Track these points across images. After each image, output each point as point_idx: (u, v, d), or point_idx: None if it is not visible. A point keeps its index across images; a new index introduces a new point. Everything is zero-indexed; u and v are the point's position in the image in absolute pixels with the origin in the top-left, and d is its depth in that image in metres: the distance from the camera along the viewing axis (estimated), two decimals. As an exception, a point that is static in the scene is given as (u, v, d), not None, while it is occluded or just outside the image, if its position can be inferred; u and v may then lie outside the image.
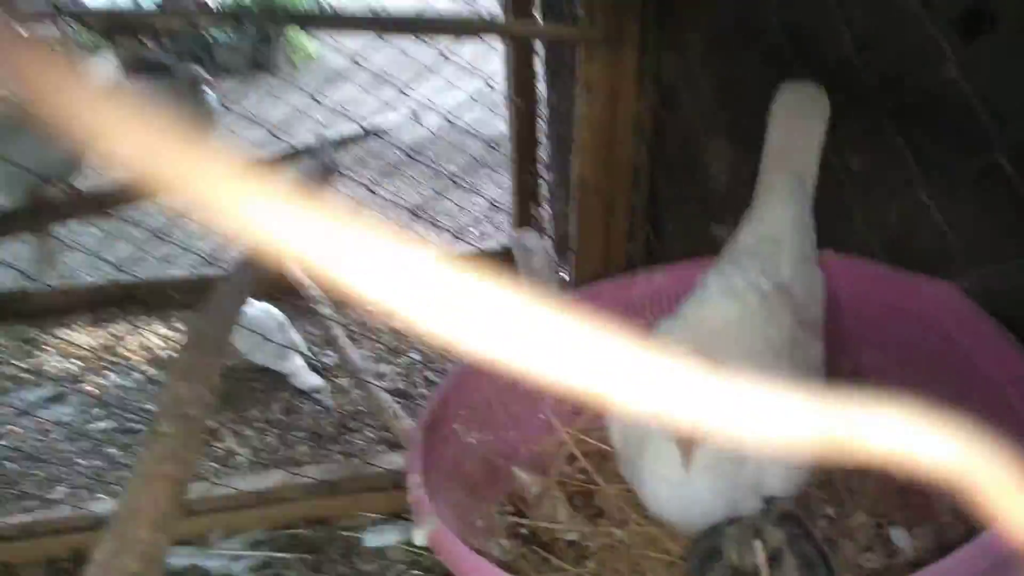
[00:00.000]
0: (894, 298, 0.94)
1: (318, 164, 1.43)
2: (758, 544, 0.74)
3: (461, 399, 0.96)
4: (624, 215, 1.72)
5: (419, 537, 0.70)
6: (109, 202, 1.74)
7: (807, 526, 0.83)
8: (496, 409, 1.01)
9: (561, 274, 2.21)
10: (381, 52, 2.00)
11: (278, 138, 1.62)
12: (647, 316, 1.12)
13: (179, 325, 2.54)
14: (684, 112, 1.53)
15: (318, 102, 1.47)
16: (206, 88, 1.91)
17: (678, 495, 0.81)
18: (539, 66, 2.61)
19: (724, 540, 0.80)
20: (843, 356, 1.00)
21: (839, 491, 0.95)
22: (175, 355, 2.37)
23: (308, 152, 1.66)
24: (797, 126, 1.02)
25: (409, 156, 1.60)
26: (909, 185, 0.92)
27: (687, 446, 0.77)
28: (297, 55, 7.00)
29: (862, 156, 1.04)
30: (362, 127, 1.77)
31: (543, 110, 2.58)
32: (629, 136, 1.63)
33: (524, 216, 2.78)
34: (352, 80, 2.33)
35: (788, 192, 1.00)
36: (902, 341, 0.93)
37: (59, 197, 1.70)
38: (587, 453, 1.05)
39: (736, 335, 0.90)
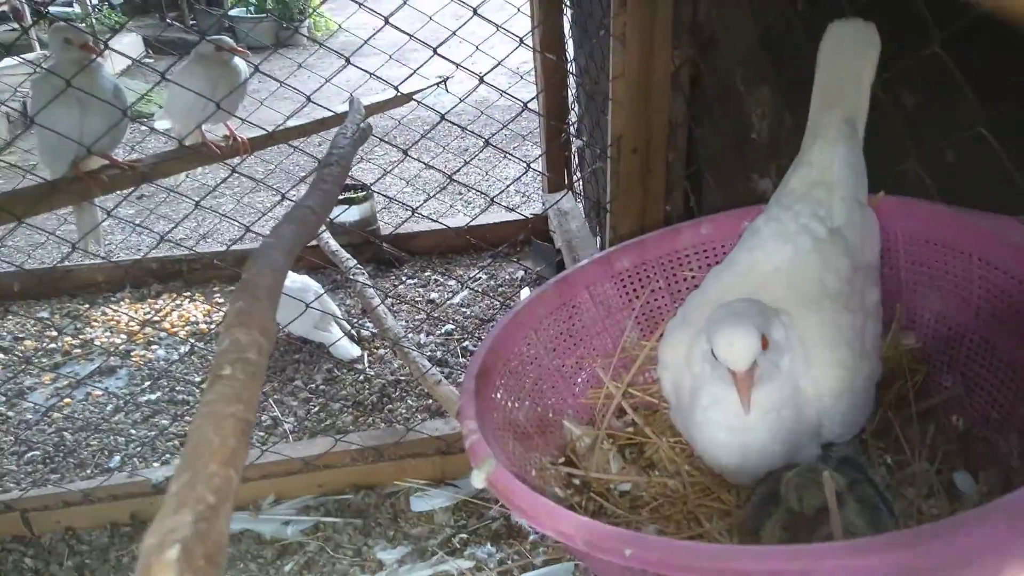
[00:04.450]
0: (953, 238, 0.91)
1: (354, 126, 1.42)
2: (827, 475, 0.73)
3: (510, 349, 0.96)
4: (661, 172, 1.69)
5: (478, 479, 0.71)
6: (150, 174, 1.76)
7: (867, 471, 0.81)
8: (544, 361, 1.01)
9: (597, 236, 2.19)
10: (403, 25, 1.97)
11: (317, 104, 1.61)
12: (694, 267, 1.11)
13: (219, 298, 2.58)
14: (722, 62, 1.50)
15: (352, 64, 1.46)
16: (235, 56, 1.91)
17: (736, 440, 0.80)
18: (567, 27, 2.57)
19: (783, 486, 0.79)
20: (899, 300, 0.98)
21: (898, 440, 0.93)
22: (218, 323, 2.42)
23: (344, 116, 1.66)
24: (846, 65, 0.98)
25: (445, 119, 1.57)
26: (967, 119, 0.89)
27: (745, 389, 0.76)
28: (320, 30, 6.99)
29: (915, 92, 1.01)
30: (395, 88, 1.75)
31: (573, 72, 2.54)
32: (666, 90, 1.59)
33: (557, 180, 2.76)
34: (375, 54, 2.31)
35: (838, 134, 0.97)
36: (963, 283, 0.90)
37: (101, 169, 1.72)
38: (636, 407, 1.05)
39: (789, 280, 0.89)
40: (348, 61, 1.47)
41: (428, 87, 2.57)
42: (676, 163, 1.68)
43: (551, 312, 1.04)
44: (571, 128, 2.60)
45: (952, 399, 0.92)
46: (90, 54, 1.67)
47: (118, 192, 1.93)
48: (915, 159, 1.00)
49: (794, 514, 0.79)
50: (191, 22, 6.98)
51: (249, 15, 6.82)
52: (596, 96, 2.21)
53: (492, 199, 1.63)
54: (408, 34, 1.65)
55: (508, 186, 2.50)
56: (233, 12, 6.85)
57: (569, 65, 2.55)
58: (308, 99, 1.56)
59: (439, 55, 1.58)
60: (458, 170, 1.94)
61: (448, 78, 2.75)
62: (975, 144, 0.88)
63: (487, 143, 1.61)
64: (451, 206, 3.43)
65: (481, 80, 1.56)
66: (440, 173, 3.10)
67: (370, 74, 1.72)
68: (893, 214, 0.96)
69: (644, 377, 1.07)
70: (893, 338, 0.98)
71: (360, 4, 1.67)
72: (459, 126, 1.78)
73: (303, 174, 3.41)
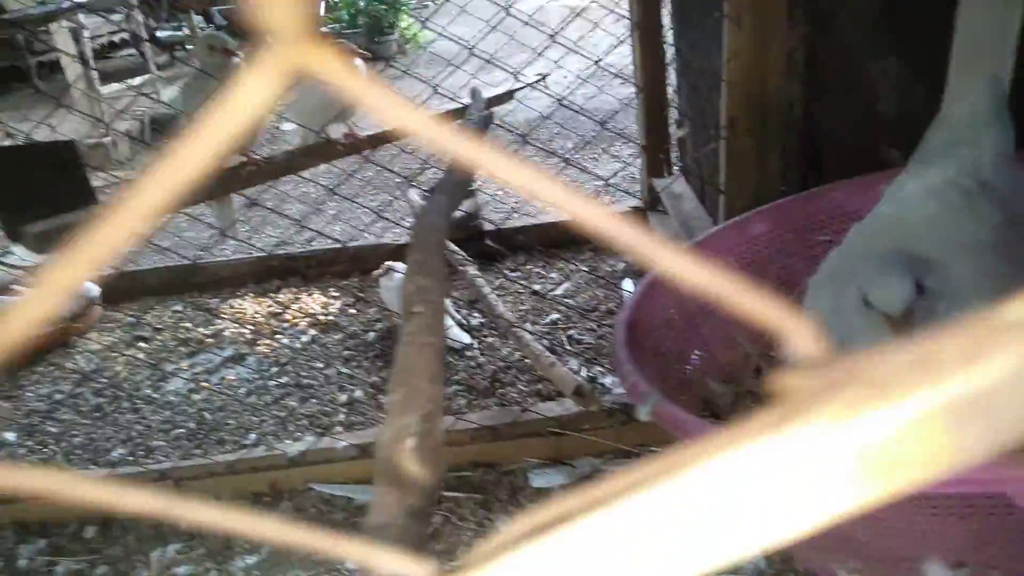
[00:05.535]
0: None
1: (478, 115, 1.50)
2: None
3: (652, 309, 1.00)
4: (777, 151, 1.69)
5: (643, 413, 0.75)
6: (283, 169, 1.90)
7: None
8: (683, 321, 1.04)
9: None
10: (490, 38, 2.05)
11: (442, 94, 1.71)
12: (828, 232, 1.12)
13: (335, 292, 2.72)
14: (842, 37, 1.49)
15: (474, 56, 1.53)
16: (355, 59, 2.03)
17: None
18: (665, 18, 2.60)
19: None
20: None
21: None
22: (335, 314, 2.56)
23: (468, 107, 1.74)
24: (989, 21, 0.98)
25: (561, 104, 1.63)
26: None
27: (903, 334, 0.77)
28: (409, 43, 7.23)
29: (1066, 46, 0.99)
30: (517, 77, 1.83)
31: (673, 62, 2.56)
32: (781, 69, 1.60)
33: (658, 168, 2.77)
34: (464, 62, 2.40)
35: (982, 90, 0.97)
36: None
37: (239, 165, 1.86)
38: (773, 366, 1.07)
39: (938, 232, 0.89)
40: (470, 51, 1.55)
41: (528, 84, 2.64)
42: (792, 142, 1.68)
43: (688, 275, 1.07)
44: (673, 118, 2.62)
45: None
46: (230, 58, 1.82)
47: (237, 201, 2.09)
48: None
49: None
50: (288, 41, 7.34)
51: (343, 31, 7.12)
52: (700, 85, 2.23)
53: (607, 181, 1.67)
54: (521, 21, 1.72)
55: (617, 173, 2.54)
56: (326, 29, 7.17)
57: (669, 56, 2.57)
58: (435, 89, 1.65)
59: (561, 43, 1.64)
60: (568, 159, 1.99)
61: (547, 75, 2.82)
62: None
63: (602, 125, 1.66)
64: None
65: (597, 63, 1.61)
66: (539, 168, 3.15)
67: (494, 62, 1.80)
68: (1045, 168, 0.95)
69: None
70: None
71: (462, 10, 1.75)
72: (574, 109, 1.83)
73: (390, 182, 3.55)
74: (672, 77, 2.64)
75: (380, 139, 2.15)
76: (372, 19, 7.19)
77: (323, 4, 7.59)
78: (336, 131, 2.13)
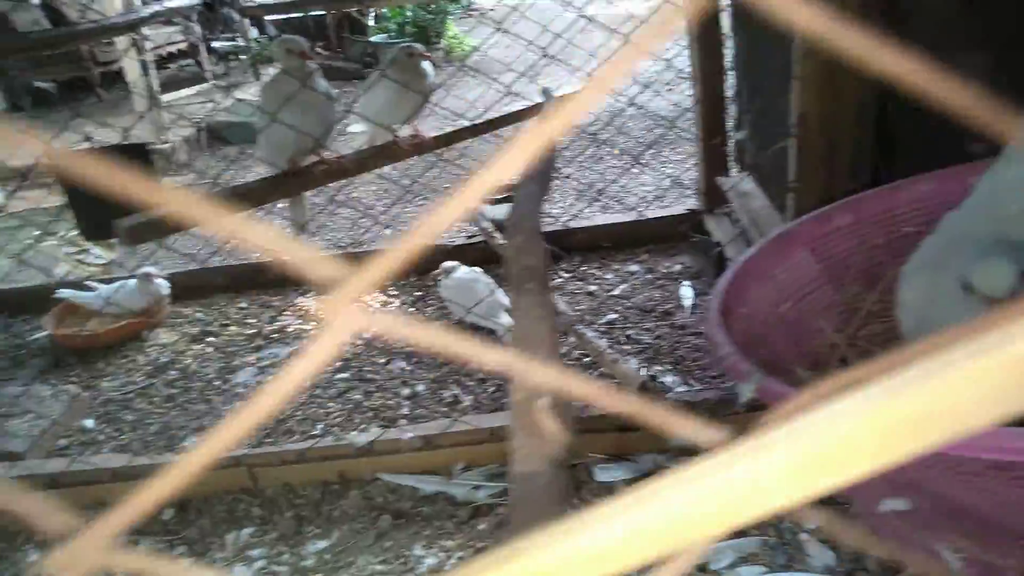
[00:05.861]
0: None
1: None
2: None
3: (739, 299, 1.01)
4: (848, 148, 1.68)
5: (747, 391, 0.76)
6: (354, 169, 1.95)
7: None
8: (769, 310, 1.05)
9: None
10: (542, 42, 2.09)
11: (513, 93, 1.74)
12: (911, 224, 1.12)
13: (393, 291, 2.78)
14: (919, 30, 1.49)
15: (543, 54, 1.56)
16: (423, 61, 2.08)
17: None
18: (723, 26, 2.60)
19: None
20: None
21: None
22: (396, 312, 2.60)
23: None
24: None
25: (622, 109, 1.65)
26: None
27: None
28: (456, 51, 7.33)
29: None
30: (588, 76, 1.85)
31: (732, 65, 2.56)
32: (854, 65, 1.60)
33: (717, 169, 2.77)
34: (505, 72, 2.42)
35: (1081, 78, 0.96)
36: None
37: (312, 164, 1.92)
38: (859, 355, 1.07)
39: (1039, 219, 0.89)
40: (518, 69, 1.58)
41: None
42: (864, 138, 1.67)
43: (772, 265, 1.08)
44: (731, 122, 2.62)
45: None
46: (307, 60, 1.88)
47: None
48: None
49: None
50: (337, 50, 7.50)
51: (390, 40, 7.24)
52: (763, 85, 2.22)
53: (675, 179, 1.68)
54: (583, 23, 1.74)
55: (687, 170, 2.54)
56: (375, 39, 7.31)
57: (728, 60, 2.57)
58: (508, 90, 1.69)
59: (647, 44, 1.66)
60: (641, 154, 2.00)
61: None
62: None
63: (672, 126, 1.67)
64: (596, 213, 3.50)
65: (668, 62, 1.63)
66: (588, 175, 3.17)
67: (558, 61, 1.83)
68: None
69: (867, 330, 1.09)
70: None
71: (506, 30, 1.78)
72: (649, 110, 1.84)
73: (441, 188, 3.61)
74: (730, 80, 2.64)
75: (445, 140, 2.19)
76: (419, 29, 7.31)
77: (372, 15, 7.76)
78: (404, 131, 2.18)
